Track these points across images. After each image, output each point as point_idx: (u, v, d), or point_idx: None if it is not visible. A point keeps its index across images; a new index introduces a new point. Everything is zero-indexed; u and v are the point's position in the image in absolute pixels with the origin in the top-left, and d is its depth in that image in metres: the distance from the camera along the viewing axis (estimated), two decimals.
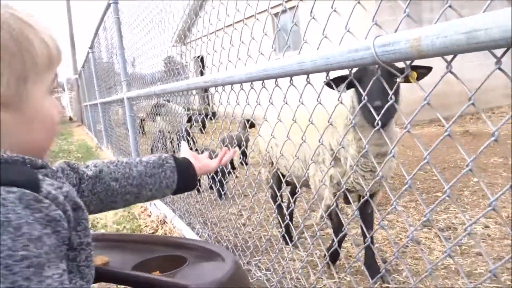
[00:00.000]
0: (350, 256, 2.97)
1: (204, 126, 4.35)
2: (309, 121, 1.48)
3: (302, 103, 1.51)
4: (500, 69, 0.79)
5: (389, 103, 1.14)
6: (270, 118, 2.08)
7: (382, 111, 1.22)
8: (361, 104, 1.35)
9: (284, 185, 1.97)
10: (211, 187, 4.69)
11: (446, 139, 0.94)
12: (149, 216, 4.28)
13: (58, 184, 0.66)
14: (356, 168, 1.99)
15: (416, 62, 1.04)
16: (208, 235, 3.11)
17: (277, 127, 1.81)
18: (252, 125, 5.67)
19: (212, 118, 6.12)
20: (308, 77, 1.41)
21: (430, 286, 2.48)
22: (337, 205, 2.30)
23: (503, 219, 0.82)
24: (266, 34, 1.60)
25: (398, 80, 1.05)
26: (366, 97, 1.28)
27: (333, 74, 1.49)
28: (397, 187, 4.58)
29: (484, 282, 2.46)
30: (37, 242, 0.56)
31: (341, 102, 1.33)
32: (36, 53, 0.67)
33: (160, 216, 3.94)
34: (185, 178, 1.13)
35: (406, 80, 1.28)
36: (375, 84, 1.28)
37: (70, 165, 0.97)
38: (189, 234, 3.09)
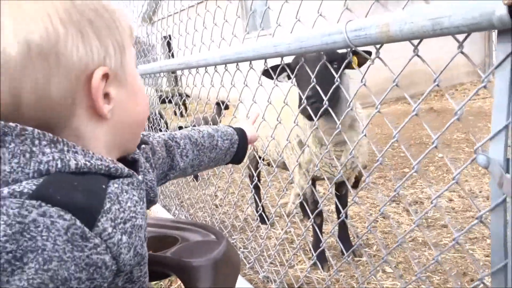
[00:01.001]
0: (324, 232, 3.08)
1: (186, 109, 4.31)
2: (284, 102, 1.52)
3: (276, 85, 1.54)
4: (462, 52, 0.85)
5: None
6: (246, 101, 2.08)
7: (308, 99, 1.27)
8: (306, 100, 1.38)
9: (261, 165, 2.01)
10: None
11: (414, 118, 1.00)
12: None
13: (126, 217, 0.56)
14: (320, 156, 2.00)
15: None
16: (185, 216, 3.14)
17: (252, 110, 1.83)
18: (227, 107, 5.67)
19: (186, 100, 6.06)
20: (282, 59, 1.44)
21: (399, 258, 2.61)
22: (313, 191, 2.34)
23: (466, 192, 0.90)
24: (239, 17, 1.62)
25: (369, 62, 1.10)
26: (299, 86, 1.31)
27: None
28: (368, 164, 4.73)
29: (448, 251, 2.62)
30: (60, 284, 0.48)
31: (294, 85, 1.38)
32: (124, 23, 0.65)
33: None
34: (237, 159, 1.20)
35: (349, 66, 1.30)
36: (308, 72, 1.30)
37: (168, 150, 0.98)
38: (166, 216, 3.11)
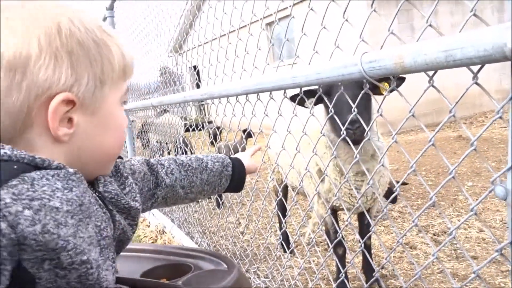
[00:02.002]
0: (348, 263, 3.02)
1: (215, 139, 4.38)
2: (302, 132, 1.53)
3: (296, 115, 1.56)
4: (477, 83, 0.85)
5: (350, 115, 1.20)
6: (278, 130, 2.09)
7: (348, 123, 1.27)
8: (328, 116, 1.37)
9: (280, 194, 2.01)
10: (209, 197, 4.74)
11: (441, 144, 1.00)
12: (148, 226, 4.31)
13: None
14: (341, 186, 1.97)
15: None
16: (207, 244, 3.14)
17: (276, 139, 1.85)
18: (249, 136, 5.74)
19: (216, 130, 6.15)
20: (301, 90, 1.47)
21: None
22: (334, 221, 2.31)
23: (484, 222, 0.86)
24: (260, 49, 1.66)
25: (385, 93, 1.11)
26: (332, 110, 1.33)
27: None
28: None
29: (479, 284, 2.52)
30: None
31: (312, 115, 1.39)
32: (114, 61, 0.70)
33: (159, 226, 3.97)
34: (234, 185, 1.20)
35: (377, 92, 1.30)
36: (343, 99, 1.31)
37: (150, 168, 1.00)
38: (188, 244, 3.13)
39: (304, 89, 1.52)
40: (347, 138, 1.42)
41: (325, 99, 1.56)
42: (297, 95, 1.62)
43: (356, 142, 1.67)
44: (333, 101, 1.56)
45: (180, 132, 4.70)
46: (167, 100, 2.83)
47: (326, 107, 1.87)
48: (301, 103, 1.62)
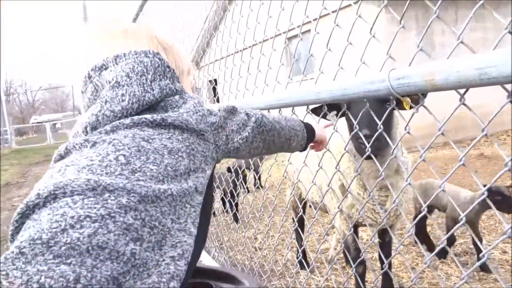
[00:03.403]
0: (367, 281, 2.95)
1: None
2: (325, 147, 1.51)
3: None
4: None
5: (378, 132, 1.17)
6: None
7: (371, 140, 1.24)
8: (352, 133, 1.36)
9: (300, 210, 1.99)
10: (226, 211, 4.72)
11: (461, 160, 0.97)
12: None
13: None
14: (363, 201, 1.93)
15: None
16: (224, 259, 3.12)
17: (298, 154, 1.83)
18: None
19: None
20: (323, 106, 1.45)
21: None
22: (354, 238, 2.27)
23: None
24: (283, 64, 1.66)
25: (414, 110, 1.09)
26: (356, 126, 1.31)
27: None
28: (411, 212, 4.55)
29: None
30: None
31: (336, 131, 1.37)
32: (186, 62, 1.13)
33: None
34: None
35: (400, 107, 1.28)
36: (364, 112, 1.29)
37: None
38: (205, 258, 3.10)
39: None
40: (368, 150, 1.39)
41: (348, 113, 1.54)
42: (319, 108, 1.60)
43: (369, 157, 1.63)
44: (352, 115, 1.55)
45: None
46: None
47: (348, 121, 1.86)
48: (324, 115, 1.60)
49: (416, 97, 1.56)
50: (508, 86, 0.82)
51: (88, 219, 0.63)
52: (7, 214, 6.75)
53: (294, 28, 1.57)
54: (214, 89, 2.99)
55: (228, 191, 4.30)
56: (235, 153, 1.05)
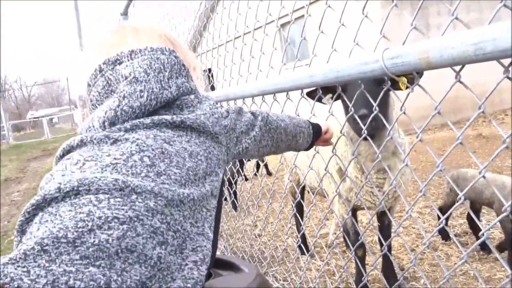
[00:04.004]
0: (367, 264, 2.97)
1: None
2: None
3: (314, 115, 1.53)
4: (508, 78, 0.81)
5: (374, 113, 1.16)
6: None
7: (368, 120, 1.23)
8: (348, 115, 1.35)
9: (298, 195, 1.98)
10: (225, 199, 4.72)
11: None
12: None
13: None
14: (361, 184, 1.92)
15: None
16: (224, 247, 3.12)
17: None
18: None
19: None
20: (318, 90, 1.43)
21: None
22: (353, 222, 2.27)
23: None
24: (275, 49, 1.64)
25: (409, 90, 1.07)
26: (352, 108, 1.29)
27: None
28: (411, 193, 4.56)
29: (497, 285, 2.44)
30: None
31: (331, 114, 1.35)
32: (192, 57, 1.13)
33: None
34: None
35: (396, 87, 1.26)
36: (360, 93, 1.28)
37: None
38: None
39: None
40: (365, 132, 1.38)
41: (343, 95, 1.51)
42: (313, 91, 1.58)
43: (366, 138, 1.63)
44: (347, 97, 1.53)
45: None
46: None
47: (343, 103, 1.83)
48: (319, 99, 1.58)
49: (412, 76, 1.55)
50: (504, 62, 0.81)
51: (116, 220, 0.63)
52: (7, 209, 6.75)
53: (287, 15, 1.54)
54: (209, 76, 2.96)
55: (226, 180, 4.29)
56: (245, 153, 1.06)
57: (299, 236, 2.02)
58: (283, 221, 3.87)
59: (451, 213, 3.04)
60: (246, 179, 5.89)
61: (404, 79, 1.55)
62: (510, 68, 0.81)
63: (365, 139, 1.53)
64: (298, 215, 2.81)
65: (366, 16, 1.18)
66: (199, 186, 0.79)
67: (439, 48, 0.85)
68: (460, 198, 0.94)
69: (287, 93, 1.59)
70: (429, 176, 1.07)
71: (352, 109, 1.36)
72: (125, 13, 4.29)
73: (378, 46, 1.09)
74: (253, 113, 1.13)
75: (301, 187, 2.58)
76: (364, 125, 1.58)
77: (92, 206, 0.63)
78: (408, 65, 0.94)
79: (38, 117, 41.72)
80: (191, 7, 2.95)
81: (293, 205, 2.08)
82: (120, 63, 0.91)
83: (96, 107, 0.91)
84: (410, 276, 2.71)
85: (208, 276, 0.91)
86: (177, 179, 0.75)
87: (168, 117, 0.84)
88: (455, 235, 3.35)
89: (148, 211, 0.66)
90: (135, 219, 0.64)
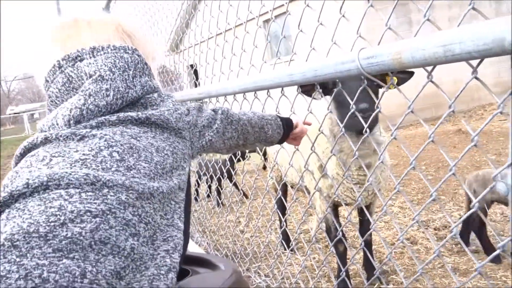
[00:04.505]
0: (349, 259, 3.01)
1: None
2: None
3: (293, 113, 1.55)
4: (476, 78, 0.84)
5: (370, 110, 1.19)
6: None
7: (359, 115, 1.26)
8: (351, 111, 1.37)
9: (279, 192, 2.00)
10: (208, 196, 4.73)
11: (440, 138, 0.98)
12: None
13: None
14: (343, 181, 1.94)
15: None
16: (207, 243, 3.13)
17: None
18: None
19: None
20: (298, 87, 1.45)
21: (428, 286, 2.51)
22: (334, 218, 2.30)
23: (486, 219, 0.86)
24: (256, 47, 1.65)
25: (383, 90, 1.10)
26: (347, 103, 1.31)
27: None
28: (391, 188, 4.63)
29: (480, 278, 2.51)
30: None
31: (330, 112, 1.37)
32: (151, 46, 1.10)
33: None
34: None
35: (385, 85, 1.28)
36: (355, 90, 1.30)
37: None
38: (189, 244, 3.11)
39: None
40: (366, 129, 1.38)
41: (343, 91, 1.53)
42: (306, 86, 1.60)
43: (360, 133, 1.67)
44: (341, 93, 1.54)
45: None
46: None
47: (334, 98, 1.82)
48: (310, 94, 1.58)
49: (403, 76, 1.58)
50: (473, 62, 0.84)
51: (88, 213, 0.64)
52: None
53: (267, 12, 1.55)
54: (196, 72, 2.96)
55: (215, 178, 4.32)
56: (209, 146, 1.08)
57: (280, 232, 2.04)
58: (266, 218, 3.90)
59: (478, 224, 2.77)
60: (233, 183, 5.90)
61: (395, 79, 1.59)
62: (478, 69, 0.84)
63: (360, 133, 1.55)
64: (279, 211, 2.83)
65: (343, 16, 1.20)
66: (167, 179, 0.81)
67: (411, 49, 0.87)
68: (490, 202, 0.96)
69: (268, 91, 1.61)
70: (409, 173, 1.10)
71: (352, 103, 1.36)
72: (107, 8, 4.24)
73: (358, 46, 1.11)
74: (213, 110, 1.16)
75: (282, 183, 2.61)
76: (364, 119, 1.61)
77: (63, 201, 0.64)
78: (383, 65, 0.97)
79: (18, 113, 40.90)
80: (173, 4, 2.93)
81: (274, 201, 2.10)
82: (81, 60, 0.90)
83: (56, 103, 0.90)
84: (391, 270, 2.77)
85: (186, 274, 0.93)
86: (146, 173, 0.77)
87: (134, 114, 0.85)
88: (435, 229, 3.42)
89: (120, 204, 0.68)
90: (108, 212, 0.66)
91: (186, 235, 0.86)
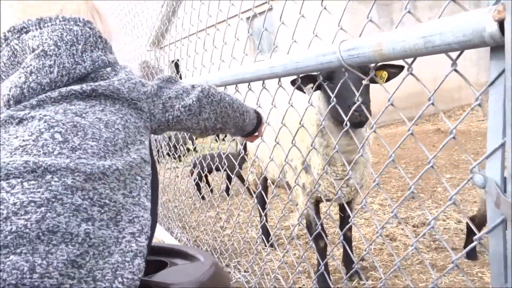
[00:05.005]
0: (327, 254, 3.02)
1: None
2: (281, 123, 1.51)
3: (274, 106, 1.54)
4: (456, 70, 0.84)
5: (357, 102, 1.18)
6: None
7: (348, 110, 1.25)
8: (352, 105, 1.33)
9: (259, 188, 1.99)
10: (202, 197, 4.60)
11: (420, 137, 0.98)
12: None
13: None
14: (327, 176, 1.94)
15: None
16: (187, 239, 3.10)
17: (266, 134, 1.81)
18: None
19: None
20: (279, 80, 1.44)
21: (406, 281, 2.54)
22: (315, 214, 2.30)
23: (463, 212, 0.87)
24: (238, 39, 1.63)
25: (364, 82, 1.09)
26: (334, 99, 1.31)
27: None
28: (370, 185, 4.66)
29: (457, 274, 2.55)
30: None
31: (311, 105, 1.36)
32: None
33: None
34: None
35: (373, 81, 1.27)
36: (346, 84, 1.29)
37: None
38: (168, 239, 3.08)
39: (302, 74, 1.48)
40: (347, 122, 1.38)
41: (325, 85, 1.51)
42: (295, 80, 1.58)
43: (359, 125, 1.70)
44: (338, 86, 1.54)
45: None
46: None
47: (325, 92, 1.83)
48: (301, 88, 1.56)
49: (393, 71, 1.58)
50: (453, 55, 0.83)
51: (32, 204, 0.60)
52: None
53: (250, 9, 1.53)
54: (177, 65, 2.91)
55: (203, 175, 4.30)
56: (177, 122, 0.99)
57: (259, 227, 2.03)
58: (247, 214, 3.88)
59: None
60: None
61: (385, 74, 1.59)
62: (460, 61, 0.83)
63: (355, 126, 1.53)
64: (259, 206, 2.82)
65: (324, 8, 1.19)
66: (123, 155, 0.75)
67: (391, 41, 0.87)
68: None
69: (249, 84, 1.59)
70: (389, 171, 1.10)
71: (335, 100, 1.35)
72: None
73: (337, 38, 1.10)
74: (192, 85, 1.06)
75: (262, 178, 2.59)
76: (358, 113, 1.61)
77: (5, 193, 0.60)
78: (364, 57, 0.96)
79: None
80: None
81: (254, 197, 2.09)
82: (26, 32, 0.82)
83: (2, 79, 0.83)
84: (370, 266, 2.79)
85: (164, 265, 0.90)
86: (94, 152, 0.71)
87: (77, 87, 0.78)
88: (414, 226, 3.46)
89: (66, 189, 0.64)
90: (53, 199, 0.62)
91: (154, 216, 0.81)
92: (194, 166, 4.55)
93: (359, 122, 1.67)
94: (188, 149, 7.05)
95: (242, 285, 2.51)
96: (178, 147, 5.29)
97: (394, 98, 1.00)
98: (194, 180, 4.40)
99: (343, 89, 1.39)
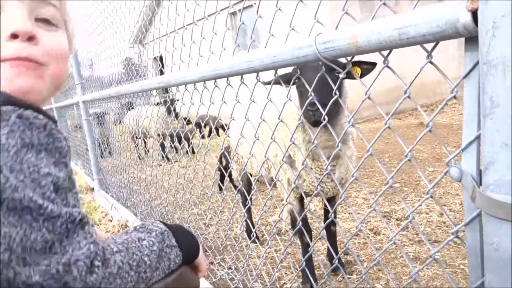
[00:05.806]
0: (319, 251, 3.02)
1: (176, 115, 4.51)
2: (260, 118, 1.49)
3: (253, 101, 1.52)
4: (431, 62, 0.83)
5: (331, 99, 1.16)
6: (236, 118, 2.00)
7: (315, 107, 1.24)
8: (308, 101, 1.35)
9: (239, 183, 1.96)
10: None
11: (403, 131, 0.97)
12: (111, 221, 4.18)
13: None
14: (311, 171, 1.94)
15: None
16: None
17: (234, 126, 1.80)
18: (223, 129, 5.82)
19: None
20: (257, 75, 1.42)
21: (390, 274, 2.55)
22: (300, 209, 2.29)
23: (440, 206, 0.87)
24: (216, 34, 1.60)
25: (341, 75, 1.08)
26: (302, 94, 1.29)
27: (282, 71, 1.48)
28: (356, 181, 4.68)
29: (439, 266, 2.57)
30: None
31: (289, 99, 1.34)
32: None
33: (121, 221, 3.86)
34: None
35: (350, 76, 1.25)
36: (314, 80, 1.27)
37: None
38: None
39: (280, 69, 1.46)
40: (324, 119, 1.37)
41: (303, 81, 1.49)
42: (282, 76, 1.57)
43: (315, 124, 1.66)
44: (301, 84, 1.52)
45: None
46: (124, 90, 2.72)
47: (297, 89, 1.83)
48: (277, 82, 1.52)
49: (367, 67, 1.57)
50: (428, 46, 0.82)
51: None
52: None
53: (228, 7, 1.50)
54: (162, 59, 2.85)
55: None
56: None
57: (241, 223, 2.01)
58: (229, 211, 3.86)
59: None
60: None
61: (358, 70, 1.58)
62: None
63: (314, 125, 1.53)
64: (242, 203, 2.81)
65: (301, 1, 1.17)
66: None
67: (366, 33, 0.85)
68: None
69: (228, 79, 1.57)
70: (373, 165, 1.09)
71: (306, 95, 1.34)
72: None
73: (314, 31, 1.08)
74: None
75: (243, 174, 2.58)
76: (313, 113, 1.60)
77: None
78: (339, 50, 0.94)
79: None
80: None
81: (235, 193, 2.07)
82: None
83: None
84: (354, 260, 2.79)
85: None
86: None
87: None
88: (397, 220, 3.49)
89: None
90: None
91: None
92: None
93: (314, 121, 1.68)
94: (176, 150, 7.06)
95: (226, 282, 2.49)
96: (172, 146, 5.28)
97: (376, 92, 0.99)
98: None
99: (308, 86, 1.39)
